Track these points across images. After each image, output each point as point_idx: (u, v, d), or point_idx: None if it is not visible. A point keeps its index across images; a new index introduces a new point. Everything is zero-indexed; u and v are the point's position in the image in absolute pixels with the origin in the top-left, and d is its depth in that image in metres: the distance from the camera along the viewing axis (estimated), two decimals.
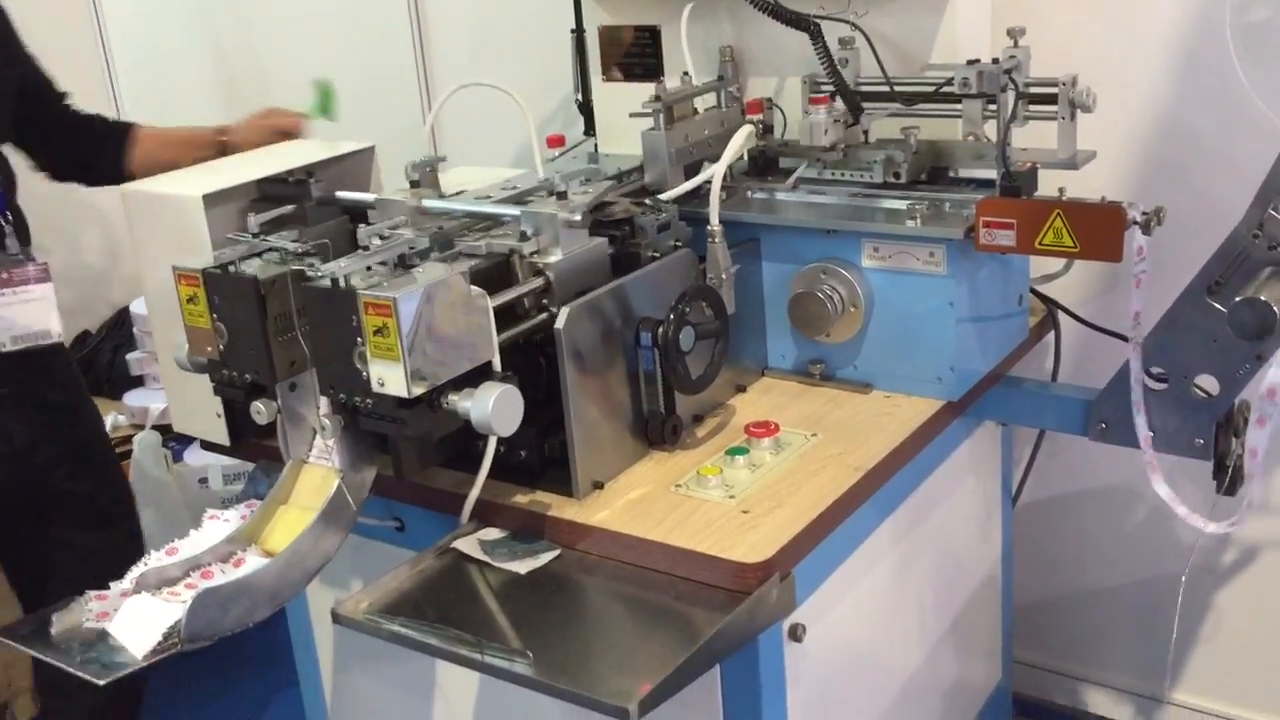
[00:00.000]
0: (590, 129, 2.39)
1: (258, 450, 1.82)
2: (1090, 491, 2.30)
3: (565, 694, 1.30)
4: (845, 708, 1.76)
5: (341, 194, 1.82)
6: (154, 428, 3.08)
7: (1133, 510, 1.82)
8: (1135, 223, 1.60)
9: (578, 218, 1.62)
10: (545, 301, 1.59)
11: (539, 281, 1.58)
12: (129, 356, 3.29)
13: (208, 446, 1.90)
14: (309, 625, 2.04)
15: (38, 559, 2.32)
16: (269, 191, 1.79)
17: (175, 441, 3.16)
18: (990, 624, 2.24)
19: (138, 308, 3.26)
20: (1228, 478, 1.75)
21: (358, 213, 1.79)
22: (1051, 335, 2.09)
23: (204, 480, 3.00)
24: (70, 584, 1.53)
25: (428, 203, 1.77)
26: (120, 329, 3.54)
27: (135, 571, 1.46)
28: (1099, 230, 1.58)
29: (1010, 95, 1.72)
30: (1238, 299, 1.55)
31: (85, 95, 2.42)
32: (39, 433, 2.24)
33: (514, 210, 1.67)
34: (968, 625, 2.13)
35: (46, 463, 2.25)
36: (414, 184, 1.84)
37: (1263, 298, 1.54)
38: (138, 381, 3.31)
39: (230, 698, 2.95)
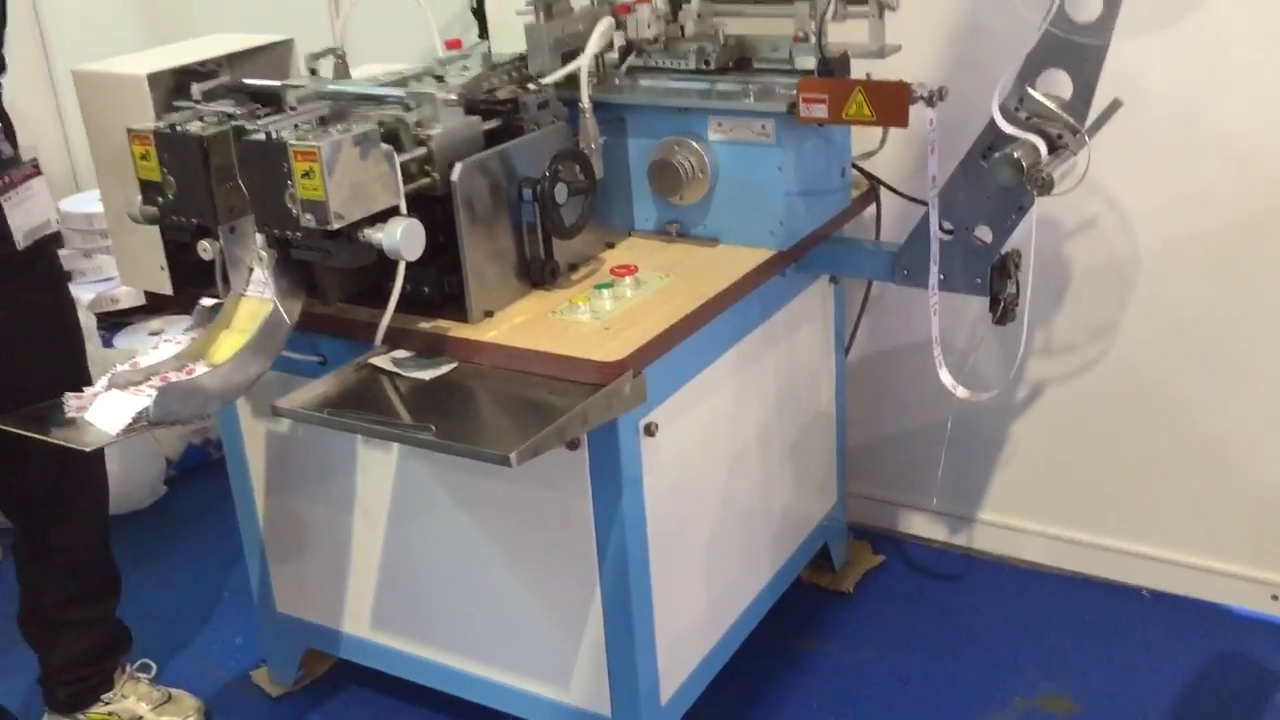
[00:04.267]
0: (484, 33, 2.70)
1: (196, 299, 2.12)
2: (912, 344, 2.71)
3: (461, 451, 1.67)
4: (694, 500, 2.15)
5: (249, 80, 2.11)
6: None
7: (946, 358, 2.22)
8: (921, 98, 1.98)
9: (454, 97, 1.94)
10: (428, 168, 1.88)
11: (422, 150, 1.87)
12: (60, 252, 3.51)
13: (151, 299, 2.20)
14: (243, 454, 2.37)
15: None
16: (182, 82, 2.05)
17: (105, 329, 3.44)
18: (826, 456, 2.65)
19: (68, 205, 3.49)
20: (1000, 311, 2.17)
21: (266, 99, 2.05)
22: (874, 205, 2.48)
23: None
24: None
25: (329, 86, 2.08)
26: None
27: (106, 377, 1.78)
28: (890, 103, 1.96)
29: None
30: (996, 155, 1.95)
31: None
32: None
33: (400, 91, 1.99)
34: (805, 455, 2.53)
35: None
36: (312, 72, 2.16)
37: (1016, 155, 1.94)
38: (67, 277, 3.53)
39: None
